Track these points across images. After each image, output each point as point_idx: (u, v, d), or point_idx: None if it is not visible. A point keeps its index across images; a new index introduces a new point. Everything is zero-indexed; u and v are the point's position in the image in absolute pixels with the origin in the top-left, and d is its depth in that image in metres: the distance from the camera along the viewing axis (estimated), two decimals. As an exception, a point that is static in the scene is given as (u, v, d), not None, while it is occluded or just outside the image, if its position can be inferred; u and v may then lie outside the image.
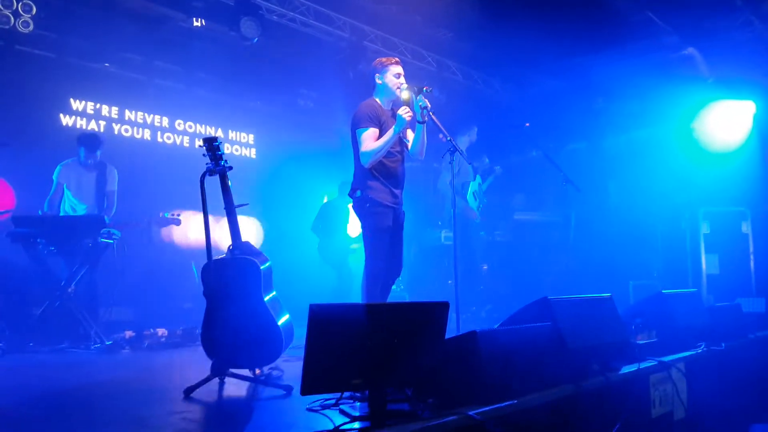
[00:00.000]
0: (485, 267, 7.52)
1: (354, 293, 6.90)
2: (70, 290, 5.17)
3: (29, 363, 4.40)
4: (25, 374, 4.01)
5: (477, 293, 7.04)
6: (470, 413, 2.34)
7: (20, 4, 5.96)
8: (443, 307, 2.53)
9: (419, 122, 4.02)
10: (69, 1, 6.27)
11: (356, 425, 2.22)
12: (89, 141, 5.65)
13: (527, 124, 6.37)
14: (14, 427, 2.60)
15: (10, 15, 5.92)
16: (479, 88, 9.18)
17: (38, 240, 5.13)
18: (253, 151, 8.26)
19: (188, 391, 3.04)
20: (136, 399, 3.15)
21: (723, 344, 4.15)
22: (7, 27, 5.92)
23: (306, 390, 2.30)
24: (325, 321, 2.31)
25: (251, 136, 8.23)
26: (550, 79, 7.88)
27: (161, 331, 5.35)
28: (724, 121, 7.14)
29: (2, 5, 5.87)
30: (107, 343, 5.01)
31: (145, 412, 2.81)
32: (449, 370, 2.57)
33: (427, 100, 3.97)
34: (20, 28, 5.97)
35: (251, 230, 7.80)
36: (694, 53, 7.29)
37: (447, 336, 2.60)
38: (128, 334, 5.22)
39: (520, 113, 7.84)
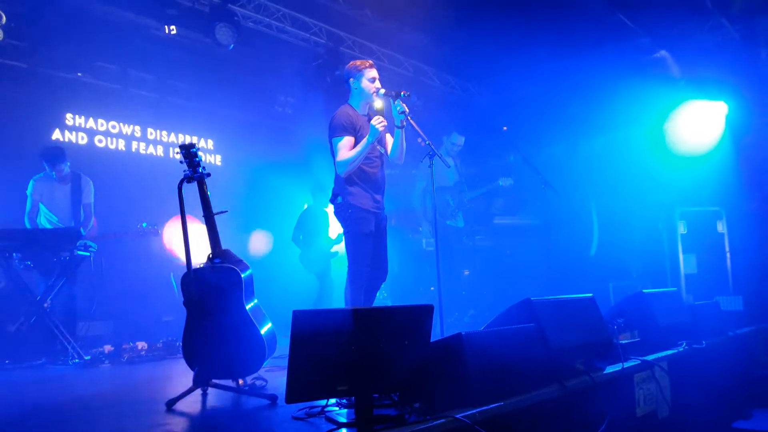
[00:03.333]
0: (467, 272, 7.53)
1: (336, 300, 6.87)
2: (46, 305, 5.07)
3: (5, 380, 4.29)
4: (1, 392, 3.90)
5: (459, 299, 7.04)
6: (457, 416, 2.33)
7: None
8: (428, 309, 2.52)
9: (397, 127, 4.02)
10: (40, 9, 6.16)
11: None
12: (50, 155, 5.55)
13: (504, 128, 6.41)
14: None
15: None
16: (456, 93, 9.23)
17: (13, 254, 5.01)
18: (223, 158, 8.17)
19: (170, 404, 2.98)
20: (118, 413, 3.08)
21: (704, 342, 4.20)
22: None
23: (291, 398, 2.27)
24: (308, 327, 2.28)
25: (215, 144, 8.14)
26: (526, 82, 7.94)
27: (141, 345, 5.26)
28: (697, 122, 7.25)
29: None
30: (86, 358, 4.91)
31: (127, 425, 2.76)
32: (435, 373, 2.56)
33: (404, 105, 3.97)
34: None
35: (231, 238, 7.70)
36: (666, 55, 7.41)
37: (432, 340, 2.59)
38: (107, 348, 5.13)
39: (497, 117, 7.88)
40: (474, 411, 2.41)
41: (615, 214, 7.52)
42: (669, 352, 3.90)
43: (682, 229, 6.85)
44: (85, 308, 5.41)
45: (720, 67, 6.98)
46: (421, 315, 2.50)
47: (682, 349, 4.03)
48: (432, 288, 7.10)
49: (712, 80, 7.06)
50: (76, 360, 4.90)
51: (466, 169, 7.31)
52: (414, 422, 2.31)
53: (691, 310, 4.54)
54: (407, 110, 3.98)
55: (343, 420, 2.38)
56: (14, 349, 4.93)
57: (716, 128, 7.12)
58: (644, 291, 4.18)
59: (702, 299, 5.59)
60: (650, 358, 3.64)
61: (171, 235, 6.37)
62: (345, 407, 2.64)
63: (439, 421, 2.31)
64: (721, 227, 6.78)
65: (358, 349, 2.34)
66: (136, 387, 3.97)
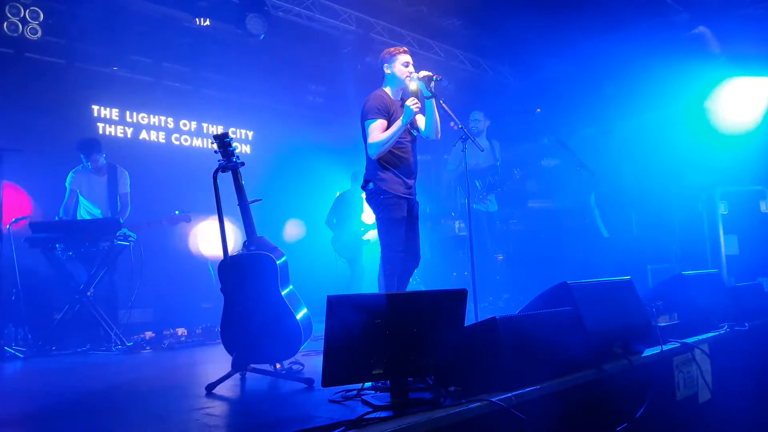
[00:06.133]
0: (500, 257, 7.48)
1: (366, 287, 6.90)
2: (89, 294, 5.22)
3: (53, 366, 4.44)
4: (50, 378, 4.06)
5: (494, 283, 7.00)
6: (493, 400, 2.33)
7: (28, 11, 5.99)
8: (461, 294, 2.51)
9: (427, 98, 4.00)
10: (75, 6, 6.29)
11: (379, 414, 2.21)
12: (85, 146, 5.70)
13: (538, 110, 6.31)
14: (42, 428, 2.62)
15: (18, 22, 5.95)
16: (488, 76, 9.12)
17: (56, 245, 5.18)
18: (256, 148, 8.24)
19: (210, 388, 3.05)
20: (159, 397, 3.17)
21: (746, 324, 4.09)
22: (15, 35, 5.96)
23: (327, 382, 2.30)
24: (343, 312, 2.30)
25: (251, 133, 8.21)
26: (559, 63, 7.79)
27: (181, 331, 5.40)
28: (739, 99, 7.02)
29: (10, 12, 5.91)
30: (128, 344, 5.06)
31: (169, 409, 2.83)
32: (470, 357, 2.56)
33: (433, 83, 3.96)
34: (28, 35, 6.01)
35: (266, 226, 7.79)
36: (705, 31, 7.17)
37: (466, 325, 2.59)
38: (148, 334, 5.27)
39: (531, 99, 7.76)
40: (510, 395, 2.40)
41: (653, 195, 7.36)
42: (710, 334, 3.82)
43: (722, 209, 6.66)
44: (126, 296, 5.56)
45: (763, 41, 6.73)
46: (454, 300, 2.50)
47: (723, 331, 3.93)
48: (466, 273, 7.07)
49: (755, 56, 6.81)
50: (119, 346, 5.05)
51: (505, 153, 7.23)
52: (449, 405, 2.31)
53: (732, 292, 4.42)
54: (433, 92, 3.97)
55: (379, 403, 2.39)
56: (60, 336, 5.12)
57: (759, 105, 6.88)
58: (684, 273, 4.09)
59: (744, 281, 5.44)
60: (690, 340, 3.57)
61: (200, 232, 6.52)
62: (380, 391, 2.67)
63: (474, 405, 2.31)
64: (764, 207, 6.57)
65: (393, 333, 2.35)
66: (177, 372, 4.08)
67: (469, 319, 2.69)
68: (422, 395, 2.49)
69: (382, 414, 2.23)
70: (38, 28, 6.06)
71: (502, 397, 2.36)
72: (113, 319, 5.33)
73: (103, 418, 2.73)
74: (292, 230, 7.95)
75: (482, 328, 2.59)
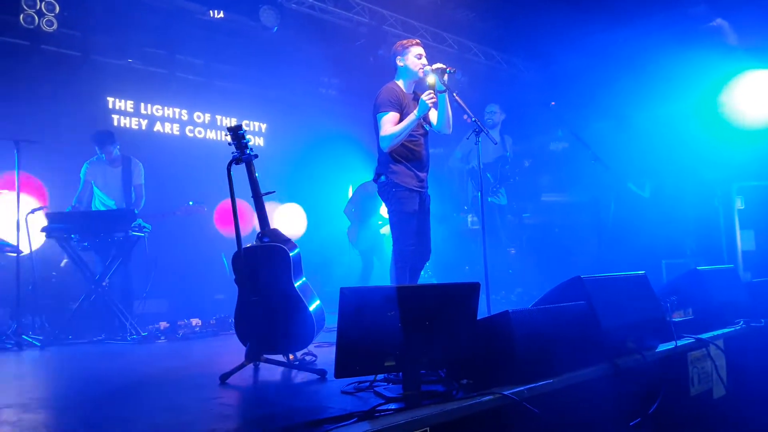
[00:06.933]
0: (512, 251, 7.45)
1: (377, 280, 6.91)
2: (104, 284, 5.27)
3: (69, 355, 4.50)
4: (65, 366, 4.11)
5: (506, 277, 6.98)
6: (505, 393, 2.33)
7: (43, 3, 6.04)
8: (474, 287, 2.52)
9: (440, 92, 3.98)
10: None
11: (392, 406, 2.22)
12: (99, 138, 5.75)
13: (552, 103, 6.26)
14: (60, 415, 2.66)
15: (34, 14, 6.01)
16: (502, 69, 9.07)
17: (71, 235, 5.23)
18: (270, 140, 8.26)
19: (224, 378, 3.08)
20: (173, 386, 3.19)
21: (762, 321, 4.06)
22: (31, 27, 6.01)
23: (339, 373, 2.31)
24: (356, 304, 2.31)
25: (264, 125, 8.22)
26: (573, 55, 7.72)
27: (195, 321, 5.44)
28: (757, 93, 6.91)
29: (26, 5, 5.95)
30: (143, 334, 5.10)
31: (183, 398, 2.85)
32: (482, 350, 2.56)
33: (447, 75, 3.94)
34: (44, 27, 6.06)
35: (283, 217, 7.81)
36: (723, 24, 7.07)
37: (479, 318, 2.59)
38: (163, 324, 5.31)
39: (545, 92, 7.71)
40: (522, 388, 2.40)
41: (667, 189, 7.28)
42: (725, 330, 3.79)
43: (739, 204, 6.58)
44: (140, 287, 5.61)
45: (782, 33, 6.62)
46: (467, 292, 2.50)
47: (739, 327, 3.91)
48: (470, 266, 7.07)
49: (774, 48, 6.70)
50: (134, 336, 5.09)
51: (517, 146, 7.19)
52: (461, 398, 2.31)
53: (748, 288, 4.38)
54: (446, 85, 3.95)
55: (391, 395, 2.40)
56: (76, 325, 5.19)
57: (777, 98, 6.77)
58: (699, 268, 4.06)
59: (760, 277, 5.38)
60: (705, 336, 3.54)
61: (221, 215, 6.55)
62: (393, 383, 2.68)
63: (486, 398, 2.31)
64: (782, 202, 6.48)
65: (406, 325, 2.36)
66: (191, 362, 4.11)
67: (482, 313, 2.69)
68: (435, 387, 2.50)
69: (395, 405, 2.24)
70: (54, 20, 6.11)
71: (515, 390, 2.36)
72: (128, 310, 5.38)
73: (116, 406, 2.76)
74: (303, 222, 7.97)
75: (495, 321, 2.59)
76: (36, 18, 6.02)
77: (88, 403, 2.86)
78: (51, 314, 5.39)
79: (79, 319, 5.21)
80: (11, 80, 6.09)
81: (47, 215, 5.25)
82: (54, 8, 6.09)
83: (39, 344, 4.80)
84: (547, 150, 6.79)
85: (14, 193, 5.06)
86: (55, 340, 5.00)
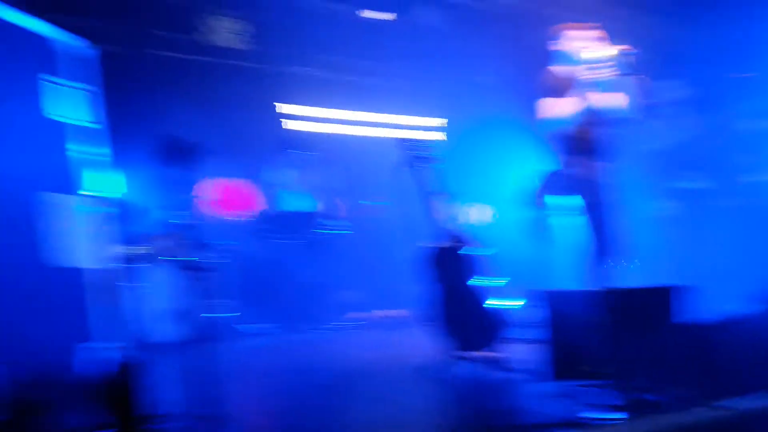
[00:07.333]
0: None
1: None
2: (305, 277, 5.78)
3: (275, 345, 4.98)
4: (272, 355, 4.58)
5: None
6: (722, 405, 2.23)
7: (227, 20, 6.66)
8: (679, 291, 2.43)
9: (615, 79, 3.83)
10: (269, 15, 6.86)
11: (605, 415, 2.23)
12: (287, 144, 6.35)
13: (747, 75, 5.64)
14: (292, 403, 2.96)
15: (223, 32, 6.65)
16: (684, 39, 8.31)
17: (275, 234, 5.83)
18: (451, 135, 8.27)
19: (421, 371, 3.27)
20: (373, 378, 3.44)
21: None
22: (219, 44, 6.65)
23: (552, 376, 2.35)
24: (562, 307, 2.35)
25: (440, 121, 8.25)
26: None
27: (392, 312, 5.68)
28: None
29: (215, 25, 6.61)
30: (341, 324, 5.52)
31: (384, 390, 3.08)
32: (697, 359, 2.46)
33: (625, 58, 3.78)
34: (230, 44, 6.70)
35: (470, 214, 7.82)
36: None
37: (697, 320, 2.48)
38: (360, 315, 5.68)
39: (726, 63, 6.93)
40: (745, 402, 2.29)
41: None
42: None
43: None
44: (337, 279, 6.02)
45: None
46: (677, 296, 2.44)
47: None
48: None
49: None
50: (332, 326, 5.52)
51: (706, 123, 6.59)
52: (674, 410, 2.25)
53: None
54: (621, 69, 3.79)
55: (603, 402, 2.39)
56: (279, 316, 5.68)
57: None
58: None
59: None
60: None
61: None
62: (603, 388, 2.64)
63: (703, 410, 2.24)
64: None
65: (616, 330, 2.34)
66: (388, 354, 4.29)
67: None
68: (644, 396, 2.45)
69: (610, 414, 2.23)
70: (237, 37, 6.72)
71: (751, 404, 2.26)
72: (326, 300, 5.84)
73: (320, 396, 3.01)
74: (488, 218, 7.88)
75: (712, 328, 2.48)
76: (223, 36, 6.67)
77: (296, 392, 3.16)
78: (257, 306, 5.81)
79: (282, 310, 5.67)
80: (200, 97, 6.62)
81: (255, 216, 5.93)
82: (237, 26, 6.69)
83: (253, 334, 5.31)
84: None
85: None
86: (267, 330, 5.50)
